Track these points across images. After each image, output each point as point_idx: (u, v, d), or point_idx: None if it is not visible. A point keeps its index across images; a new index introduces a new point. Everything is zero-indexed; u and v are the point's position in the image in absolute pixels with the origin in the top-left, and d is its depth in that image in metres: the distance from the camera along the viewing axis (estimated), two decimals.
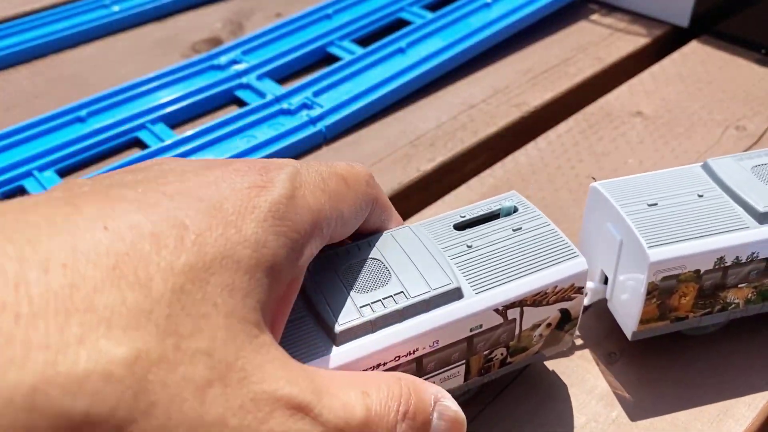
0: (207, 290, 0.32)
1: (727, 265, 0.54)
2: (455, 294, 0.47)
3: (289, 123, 0.86)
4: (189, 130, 0.85)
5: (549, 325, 0.52)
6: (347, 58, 0.96)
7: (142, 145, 0.86)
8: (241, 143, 0.83)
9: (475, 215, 0.53)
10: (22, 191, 0.79)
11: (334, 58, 1.00)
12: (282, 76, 0.98)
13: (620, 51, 1.01)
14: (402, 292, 0.47)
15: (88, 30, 1.08)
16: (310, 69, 1.00)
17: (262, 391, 0.34)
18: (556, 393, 0.56)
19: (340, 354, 0.44)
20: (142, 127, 0.87)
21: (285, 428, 0.34)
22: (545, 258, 0.50)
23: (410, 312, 0.46)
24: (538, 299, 0.50)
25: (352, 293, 0.47)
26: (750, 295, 0.57)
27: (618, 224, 0.55)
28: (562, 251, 0.51)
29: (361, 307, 0.46)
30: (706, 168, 0.59)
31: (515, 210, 0.53)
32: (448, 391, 0.46)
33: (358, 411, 0.38)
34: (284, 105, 0.88)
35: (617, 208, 0.55)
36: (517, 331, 0.51)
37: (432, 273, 0.48)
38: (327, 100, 0.88)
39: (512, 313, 0.49)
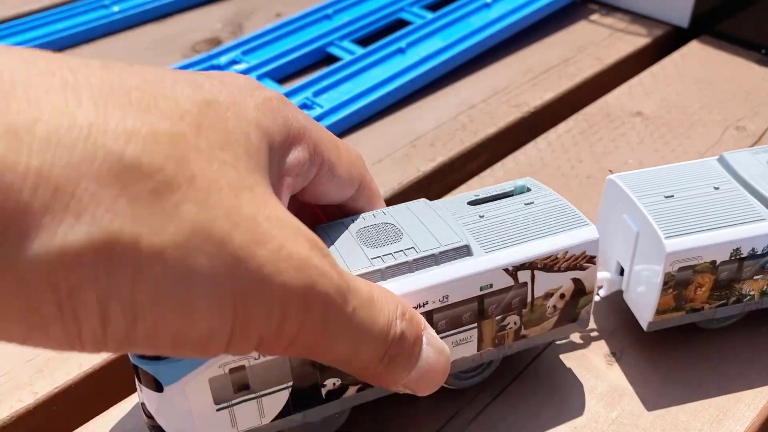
0: (228, 126, 0.36)
1: (742, 256, 0.55)
2: (464, 251, 0.49)
3: None
4: None
5: (563, 296, 0.53)
6: (347, 58, 0.96)
7: None
8: None
9: (489, 194, 0.56)
10: None
11: (333, 59, 1.00)
12: (282, 76, 0.98)
13: (620, 51, 1.01)
14: (413, 247, 0.49)
15: (88, 30, 1.09)
16: (310, 69, 1.00)
17: (285, 217, 0.37)
18: (556, 392, 0.56)
19: None
20: None
21: (306, 254, 0.36)
22: (556, 225, 0.53)
23: (419, 265, 0.48)
24: (548, 263, 0.52)
25: (364, 247, 0.49)
26: (765, 287, 0.57)
27: (635, 215, 0.56)
28: (573, 220, 0.53)
29: (372, 258, 0.48)
30: (722, 161, 0.60)
31: (528, 189, 0.56)
32: (462, 360, 0.50)
33: (364, 288, 0.41)
34: None
35: (634, 200, 0.56)
36: (529, 298, 0.52)
37: (443, 233, 0.50)
38: (327, 101, 0.88)
39: (523, 276, 0.51)
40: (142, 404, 0.47)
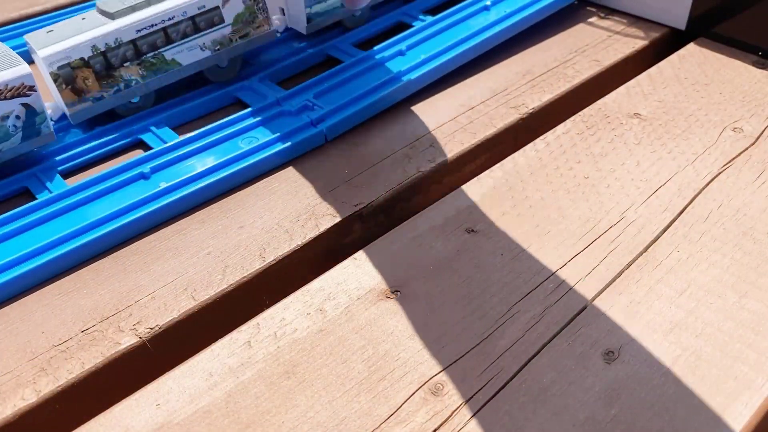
0: None
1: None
2: None
3: (290, 124, 0.86)
4: (191, 132, 0.86)
5: (18, 116, 0.76)
6: (348, 60, 0.97)
7: (145, 146, 0.87)
8: (242, 144, 0.84)
9: None
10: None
11: (335, 61, 1.01)
12: (283, 78, 0.98)
13: (618, 53, 1.02)
14: None
15: None
16: (311, 71, 1.01)
17: None
18: (554, 391, 0.57)
19: None
20: (145, 129, 0.87)
21: None
22: None
23: None
24: None
25: None
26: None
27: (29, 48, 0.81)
28: (11, 62, 0.76)
29: None
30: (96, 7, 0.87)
31: None
32: None
33: None
34: (285, 107, 0.88)
35: (29, 42, 0.81)
36: None
37: None
38: (327, 102, 0.89)
39: None
40: None
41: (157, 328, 0.64)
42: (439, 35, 1.01)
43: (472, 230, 0.72)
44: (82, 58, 0.81)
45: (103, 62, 0.82)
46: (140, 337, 0.63)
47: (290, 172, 0.82)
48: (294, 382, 0.58)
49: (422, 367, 0.59)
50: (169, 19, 0.85)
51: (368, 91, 0.90)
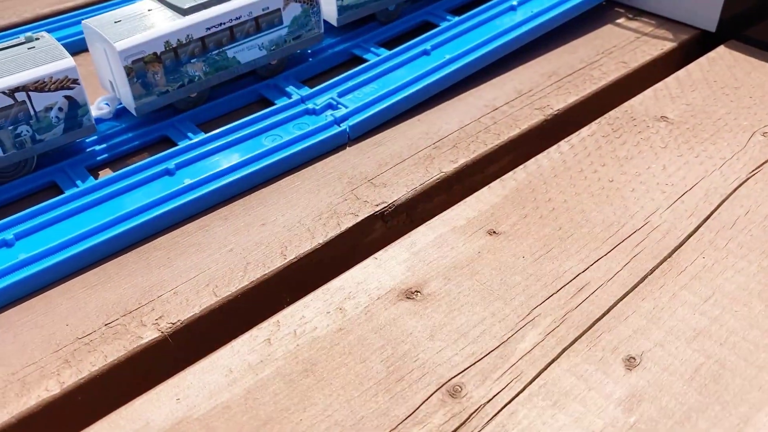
0: None
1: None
2: None
3: (313, 123, 0.87)
4: (216, 129, 0.87)
5: (61, 109, 0.78)
6: (373, 59, 0.97)
7: (170, 142, 0.88)
8: (266, 142, 0.84)
9: (6, 45, 0.79)
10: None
11: (359, 60, 1.01)
12: (308, 76, 0.99)
13: (646, 55, 1.00)
14: None
15: None
16: (336, 70, 1.01)
17: None
18: (574, 396, 0.56)
19: None
20: (171, 125, 0.88)
21: None
22: (44, 60, 0.77)
23: None
24: (39, 86, 0.75)
25: None
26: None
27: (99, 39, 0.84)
28: (57, 56, 0.77)
29: None
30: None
31: (36, 39, 0.80)
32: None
33: None
34: (309, 105, 0.89)
35: (96, 30, 0.83)
36: (32, 111, 0.76)
37: None
38: (351, 101, 0.89)
39: (20, 96, 0.74)
40: None
41: (178, 323, 0.64)
42: (465, 35, 1.01)
43: (494, 232, 0.72)
44: (154, 53, 0.82)
45: (173, 58, 0.84)
46: (162, 332, 0.64)
47: (313, 171, 0.83)
48: (312, 380, 0.59)
49: (441, 368, 0.59)
50: (236, 18, 0.86)
51: (392, 91, 0.90)
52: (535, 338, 0.61)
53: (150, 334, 0.63)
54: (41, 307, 0.67)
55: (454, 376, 0.58)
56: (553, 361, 0.59)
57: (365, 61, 0.99)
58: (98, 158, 0.84)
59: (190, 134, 0.86)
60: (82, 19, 1.08)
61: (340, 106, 0.89)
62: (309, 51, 1.00)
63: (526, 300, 0.64)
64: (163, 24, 0.83)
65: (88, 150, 0.85)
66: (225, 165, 0.80)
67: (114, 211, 0.75)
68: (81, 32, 1.07)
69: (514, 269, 0.67)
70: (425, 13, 1.09)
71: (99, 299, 0.67)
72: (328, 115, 0.87)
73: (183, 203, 0.75)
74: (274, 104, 0.92)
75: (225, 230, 0.75)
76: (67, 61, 0.77)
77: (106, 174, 0.83)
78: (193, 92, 0.88)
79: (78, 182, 0.80)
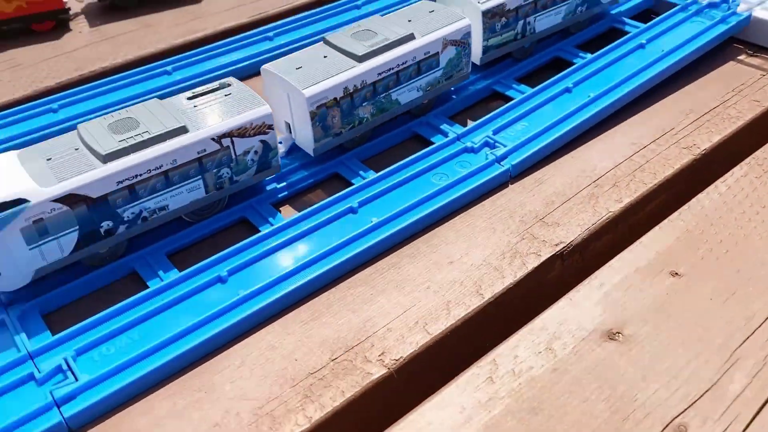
0: None
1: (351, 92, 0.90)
2: (182, 130, 0.78)
3: (474, 161, 0.92)
4: (379, 166, 0.92)
5: (256, 152, 0.84)
6: (518, 97, 1.02)
7: (341, 179, 0.93)
8: (435, 180, 0.89)
9: (201, 91, 0.85)
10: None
11: (499, 95, 1.06)
12: (453, 113, 1.04)
13: None
14: (147, 131, 0.77)
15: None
16: (478, 106, 1.06)
17: None
18: None
19: (107, 168, 0.74)
20: (340, 163, 0.94)
21: None
22: (244, 107, 0.83)
23: (152, 142, 0.77)
24: (241, 132, 0.82)
25: (113, 134, 0.77)
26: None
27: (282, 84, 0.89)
28: (255, 103, 0.83)
29: (119, 141, 0.76)
30: (326, 41, 0.95)
31: (229, 85, 0.86)
32: (196, 201, 0.82)
33: None
34: (468, 143, 0.94)
35: (280, 75, 0.88)
36: (233, 155, 0.82)
37: (166, 119, 0.79)
38: (507, 139, 0.94)
39: (226, 142, 0.81)
40: None
41: (401, 360, 0.70)
42: (602, 73, 1.06)
43: (676, 273, 0.77)
44: (335, 98, 0.88)
45: (349, 102, 0.90)
46: (388, 368, 0.69)
47: (482, 209, 0.88)
48: (542, 418, 0.64)
49: (661, 408, 0.64)
50: (403, 63, 0.91)
51: (546, 129, 0.95)
52: (744, 380, 0.65)
53: (377, 370, 0.69)
54: (265, 342, 0.72)
55: (676, 417, 0.63)
56: (766, 402, 0.64)
57: (506, 97, 1.05)
58: (279, 195, 0.90)
59: (361, 172, 0.92)
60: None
61: (497, 144, 0.94)
62: (452, 88, 1.05)
63: (725, 342, 0.69)
64: (341, 70, 0.88)
65: (268, 187, 0.90)
66: (404, 204, 0.84)
67: (313, 249, 0.80)
68: (208, 70, 1.13)
69: (705, 311, 0.72)
70: (556, 49, 1.14)
71: (318, 335, 0.73)
72: (489, 154, 0.92)
73: (377, 241, 0.80)
74: (431, 142, 0.97)
75: (416, 268, 0.80)
76: (265, 109, 0.82)
77: (286, 210, 0.89)
78: (360, 132, 0.94)
79: (270, 219, 0.85)
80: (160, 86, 1.11)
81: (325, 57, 0.90)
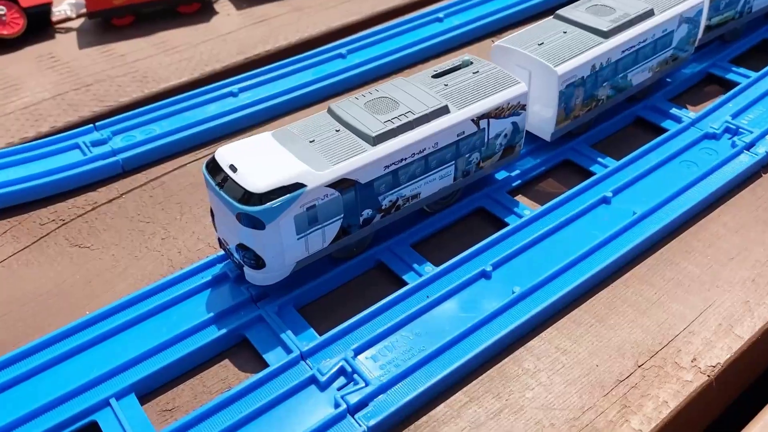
0: None
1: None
2: (445, 110, 0.71)
3: (719, 148, 0.84)
4: (606, 152, 0.85)
5: (506, 135, 0.77)
6: (737, 80, 0.94)
7: (574, 165, 0.85)
8: (681, 169, 0.81)
9: (444, 69, 0.77)
10: None
11: (716, 79, 0.98)
12: (671, 96, 0.96)
13: None
14: (410, 111, 0.70)
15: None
16: (693, 90, 0.98)
17: None
18: None
19: (377, 151, 0.66)
20: (570, 149, 0.86)
21: None
22: (500, 86, 0.75)
23: (417, 123, 0.69)
24: (498, 113, 0.74)
25: (375, 115, 0.69)
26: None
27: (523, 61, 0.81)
28: (509, 81, 0.76)
29: (384, 122, 0.68)
30: (558, 17, 0.87)
31: (471, 63, 0.78)
32: (444, 189, 0.75)
33: None
34: (706, 129, 0.86)
35: (521, 51, 0.81)
36: (486, 139, 0.75)
37: (426, 98, 0.72)
38: (750, 124, 0.86)
39: (483, 123, 0.73)
40: (239, 245, 0.65)
41: (719, 366, 0.62)
42: None
43: None
44: (582, 77, 0.80)
45: (593, 81, 0.82)
46: (707, 375, 0.61)
47: (743, 200, 0.79)
48: None
49: None
50: (643, 40, 0.84)
51: None
52: None
53: (695, 378, 0.61)
54: (552, 346, 0.65)
55: None
56: None
57: (723, 80, 0.97)
58: (513, 184, 0.82)
59: (599, 159, 0.84)
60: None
61: (742, 130, 0.86)
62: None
63: None
64: (588, 47, 0.80)
65: (498, 176, 0.83)
66: (662, 194, 0.76)
67: (578, 243, 0.72)
68: (386, 53, 1.07)
69: None
70: (765, 31, 1.05)
71: (611, 337, 0.65)
72: (737, 141, 0.84)
73: (649, 236, 0.72)
74: (659, 127, 0.89)
75: (696, 265, 0.71)
76: (521, 87, 0.75)
77: (521, 200, 0.81)
78: (594, 115, 0.86)
79: (515, 210, 0.78)
80: (338, 70, 1.04)
81: (564, 33, 0.82)
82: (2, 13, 1.16)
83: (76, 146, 0.91)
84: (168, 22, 1.25)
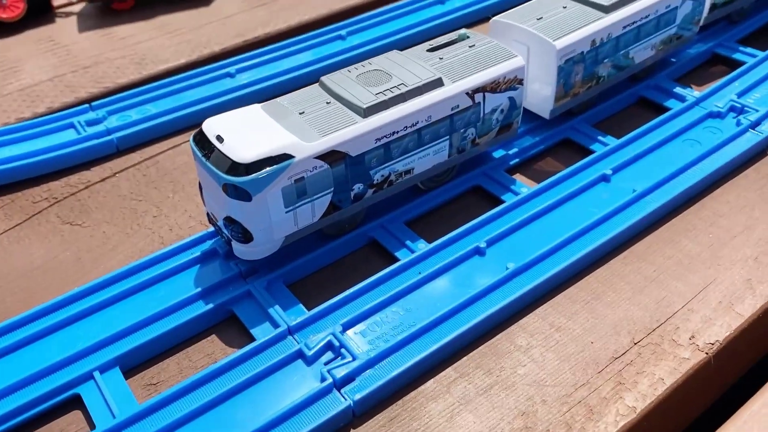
0: None
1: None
2: (439, 82, 0.69)
3: (723, 127, 0.82)
4: (606, 129, 0.83)
5: (502, 111, 0.75)
6: (743, 59, 0.92)
7: (573, 144, 0.83)
8: (687, 147, 0.79)
9: (440, 43, 0.75)
10: None
11: (722, 59, 0.95)
12: (676, 77, 0.93)
13: None
14: (402, 83, 0.68)
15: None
16: (697, 71, 0.96)
17: None
18: None
19: (367, 123, 0.65)
20: (570, 127, 0.84)
21: None
22: (496, 59, 0.73)
23: (409, 95, 0.68)
24: (494, 87, 0.72)
25: (367, 87, 0.68)
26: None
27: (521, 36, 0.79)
28: (506, 55, 0.74)
29: (376, 94, 0.67)
30: None
31: (467, 37, 0.76)
32: (437, 165, 0.73)
33: None
34: (710, 108, 0.84)
35: (519, 25, 0.79)
36: (482, 114, 0.73)
37: (419, 71, 0.70)
38: (756, 103, 0.84)
39: (478, 97, 0.72)
40: (226, 219, 0.63)
41: (717, 344, 0.60)
42: None
43: None
44: (581, 53, 0.78)
45: (593, 57, 0.80)
46: (706, 353, 0.59)
47: (747, 179, 0.77)
48: None
49: None
50: (646, 16, 0.81)
51: None
52: None
53: (692, 355, 0.59)
54: (546, 323, 0.63)
55: None
56: None
57: (728, 60, 0.94)
58: (511, 162, 0.81)
59: (599, 138, 0.82)
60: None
61: (747, 108, 0.83)
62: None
63: None
64: (588, 21, 0.78)
65: (496, 154, 0.81)
66: (663, 172, 0.74)
67: (575, 220, 0.70)
68: (386, 34, 1.05)
69: None
70: (717, 45, 1.02)
71: (607, 314, 0.63)
72: (742, 119, 0.82)
73: (648, 213, 0.70)
74: (663, 106, 0.87)
75: (697, 243, 0.69)
76: (518, 61, 0.73)
77: (519, 178, 0.80)
78: (595, 93, 0.84)
79: (511, 187, 0.76)
80: (337, 51, 1.03)
81: (564, 7, 0.81)
82: None
83: (71, 126, 0.90)
84: (168, 6, 1.24)
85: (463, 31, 0.77)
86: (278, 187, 0.61)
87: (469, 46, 0.74)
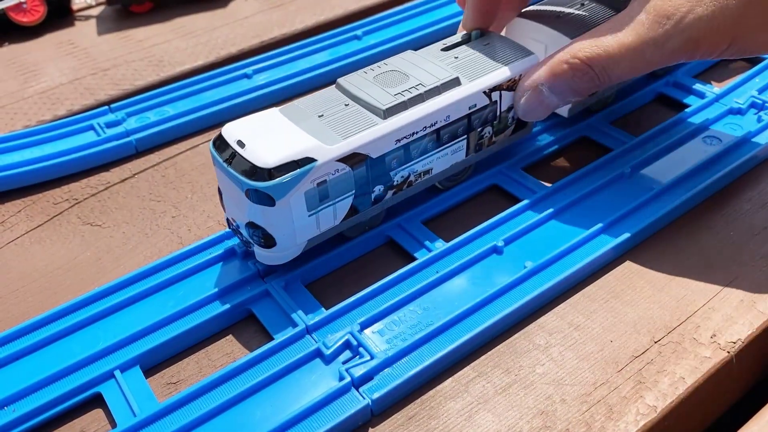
0: None
1: None
2: (456, 82, 0.69)
3: (744, 124, 0.81)
4: (626, 127, 0.83)
5: None
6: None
7: (591, 142, 0.83)
8: (707, 144, 0.79)
9: (454, 42, 0.75)
10: None
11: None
12: (695, 73, 0.93)
13: None
14: (420, 83, 0.68)
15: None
16: (721, 66, 0.95)
17: None
18: None
19: (388, 124, 0.65)
20: (588, 126, 0.83)
21: None
22: (511, 57, 0.72)
23: (428, 96, 0.67)
24: (510, 84, 0.72)
25: (385, 88, 0.68)
26: None
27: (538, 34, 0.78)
28: (521, 52, 0.73)
29: (394, 95, 0.66)
30: None
31: (482, 35, 0.76)
32: (455, 165, 0.73)
33: None
34: (731, 104, 0.83)
35: (536, 23, 0.78)
36: (498, 112, 0.73)
37: (436, 71, 0.69)
38: None
39: (495, 96, 0.71)
40: (248, 224, 0.63)
41: (739, 342, 0.59)
42: None
43: None
44: None
45: None
46: (727, 351, 0.59)
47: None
48: None
49: None
50: None
51: None
52: None
53: (714, 354, 0.58)
54: (565, 322, 0.63)
55: None
56: None
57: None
58: (528, 161, 0.80)
59: (617, 135, 0.81)
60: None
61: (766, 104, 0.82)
62: None
63: None
64: (607, 19, 0.77)
65: (513, 153, 0.81)
66: (684, 168, 0.74)
67: (595, 217, 0.70)
68: (401, 34, 1.05)
69: None
70: None
71: (626, 313, 0.63)
72: (764, 116, 0.81)
73: (671, 209, 0.70)
74: (681, 102, 0.86)
75: (718, 239, 0.69)
76: (534, 57, 0.72)
77: (536, 177, 0.79)
78: (613, 92, 0.84)
79: (530, 186, 0.76)
80: (353, 51, 1.03)
81: (582, 5, 0.80)
82: (23, 0, 1.18)
83: (91, 127, 0.91)
84: (186, 8, 1.25)
85: (477, 31, 0.76)
86: (301, 191, 0.61)
87: (484, 45, 0.74)
